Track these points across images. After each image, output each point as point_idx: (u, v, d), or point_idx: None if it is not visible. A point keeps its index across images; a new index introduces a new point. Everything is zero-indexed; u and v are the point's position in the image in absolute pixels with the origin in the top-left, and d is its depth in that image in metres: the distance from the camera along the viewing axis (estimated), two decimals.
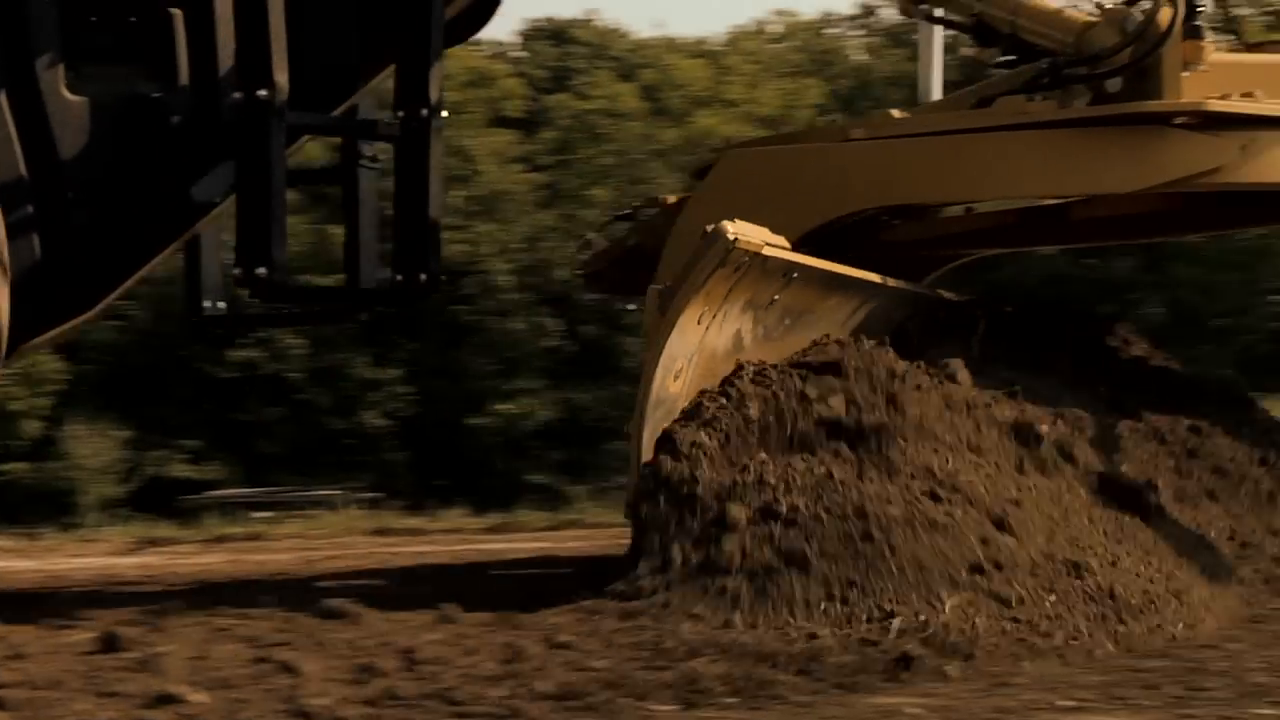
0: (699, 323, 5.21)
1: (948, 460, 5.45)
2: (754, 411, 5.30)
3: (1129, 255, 22.50)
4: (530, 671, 4.69)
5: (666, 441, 5.26)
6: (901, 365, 5.67)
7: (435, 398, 24.70)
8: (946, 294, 7.11)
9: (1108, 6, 6.19)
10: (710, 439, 5.25)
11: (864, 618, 4.96)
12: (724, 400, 5.34)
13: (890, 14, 31.32)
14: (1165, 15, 5.96)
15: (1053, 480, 5.78)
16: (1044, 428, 5.89)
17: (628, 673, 4.64)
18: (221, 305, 6.62)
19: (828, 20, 33.34)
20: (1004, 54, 6.81)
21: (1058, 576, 5.24)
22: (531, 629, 5.25)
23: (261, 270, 5.28)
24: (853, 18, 32.46)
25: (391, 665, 4.85)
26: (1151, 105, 5.89)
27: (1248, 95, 5.95)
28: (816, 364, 5.51)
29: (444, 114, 5.71)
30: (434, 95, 5.68)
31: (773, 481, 5.15)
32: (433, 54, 5.74)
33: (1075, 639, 5.04)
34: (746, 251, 5.14)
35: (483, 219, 25.54)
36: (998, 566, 5.13)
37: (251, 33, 5.34)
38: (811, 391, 5.40)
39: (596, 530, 12.74)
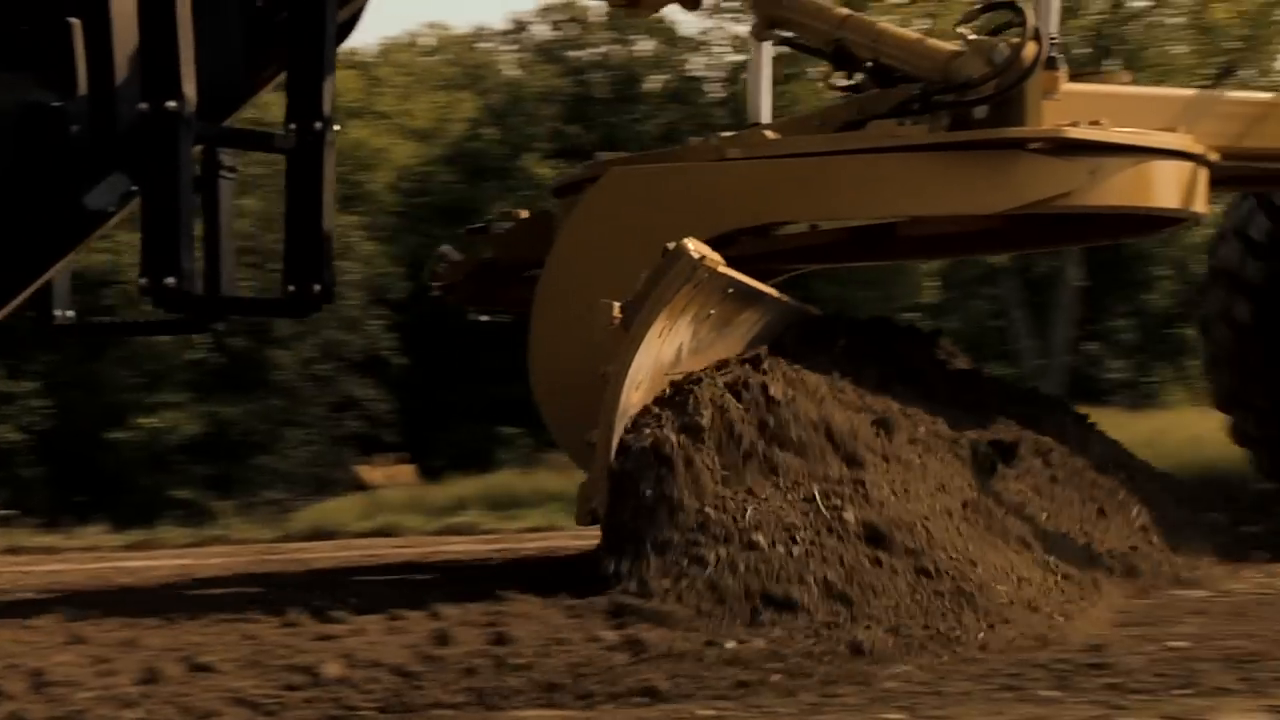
0: (659, 336, 5.29)
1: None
2: (707, 420, 5.42)
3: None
4: (169, 694, 4.49)
5: (648, 449, 5.28)
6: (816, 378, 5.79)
7: (73, 411, 24.04)
8: (811, 309, 7.20)
9: (973, 38, 6.37)
10: (684, 445, 5.33)
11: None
12: (690, 409, 5.42)
13: (542, 30, 31.53)
14: (1030, 49, 6.19)
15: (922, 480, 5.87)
16: (912, 431, 5.99)
17: (270, 692, 4.49)
18: (70, 314, 6.56)
19: (480, 35, 33.37)
20: (852, 77, 7.05)
21: (920, 581, 5.32)
22: (171, 648, 5.06)
23: (170, 280, 5.29)
24: (505, 33, 32.57)
25: (18, 688, 4.60)
26: (1014, 131, 6.10)
27: (1095, 123, 6.18)
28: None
29: (335, 127, 5.76)
30: (327, 108, 5.72)
31: (732, 493, 5.32)
32: (326, 67, 5.77)
33: (939, 640, 5.06)
34: (708, 269, 5.20)
35: (126, 228, 24.92)
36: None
37: (158, 44, 5.33)
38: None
39: (242, 546, 12.46)
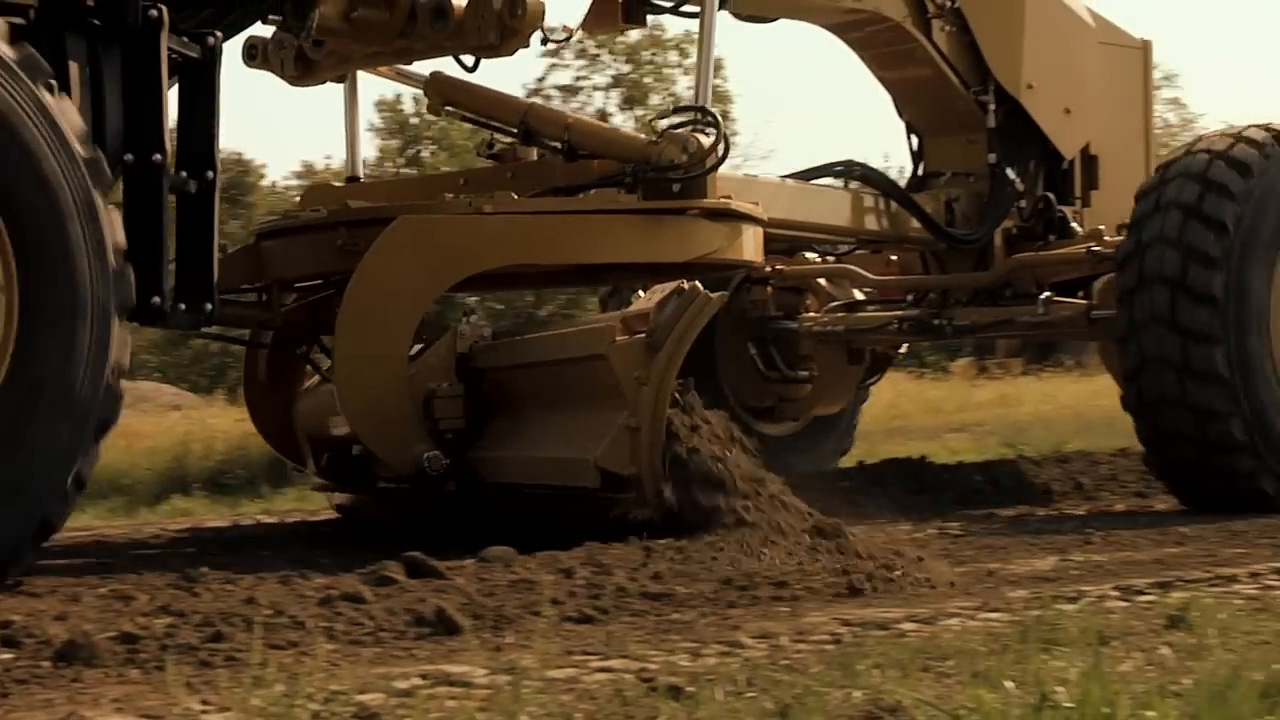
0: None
1: None
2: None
3: None
4: None
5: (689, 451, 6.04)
6: None
7: None
8: None
9: (673, 131, 7.45)
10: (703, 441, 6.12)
11: None
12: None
13: None
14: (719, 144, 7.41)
15: None
16: None
17: None
18: None
19: None
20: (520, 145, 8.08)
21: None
22: None
23: (156, 299, 5.83)
24: None
25: None
26: (707, 203, 7.37)
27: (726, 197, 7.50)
28: None
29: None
30: (217, 157, 6.20)
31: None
32: (216, 121, 6.22)
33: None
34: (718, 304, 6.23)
35: None
36: None
37: (146, 102, 5.91)
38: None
39: None
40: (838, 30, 9.29)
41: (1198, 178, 8.19)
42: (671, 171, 7.30)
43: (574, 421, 6.32)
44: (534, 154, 7.99)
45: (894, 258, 9.90)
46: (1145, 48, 9.96)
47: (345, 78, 8.42)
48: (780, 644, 4.45)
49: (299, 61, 7.99)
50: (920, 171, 9.62)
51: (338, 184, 8.93)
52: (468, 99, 8.04)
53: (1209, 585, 5.46)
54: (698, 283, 6.18)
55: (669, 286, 6.16)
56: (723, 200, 7.35)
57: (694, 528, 5.81)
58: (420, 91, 8.43)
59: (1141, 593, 5.34)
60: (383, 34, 7.54)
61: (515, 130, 7.92)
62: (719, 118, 7.40)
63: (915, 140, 9.68)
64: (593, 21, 8.17)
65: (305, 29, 7.15)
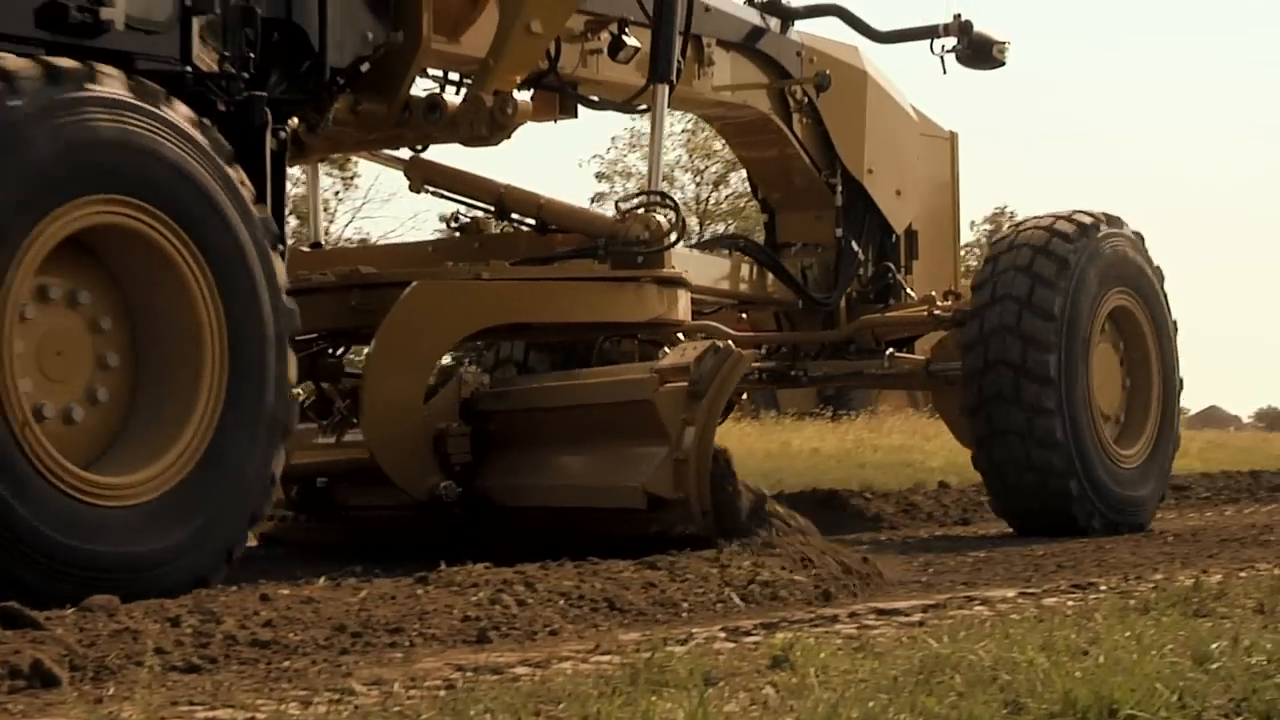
0: None
1: None
2: None
3: None
4: None
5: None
6: None
7: None
8: None
9: (636, 213, 8.80)
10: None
11: None
12: None
13: None
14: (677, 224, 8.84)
15: None
16: None
17: None
18: None
19: None
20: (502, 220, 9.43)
21: None
22: None
23: None
24: None
25: None
26: (664, 272, 8.75)
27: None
28: None
29: None
30: (285, 231, 7.21)
31: None
32: (284, 199, 7.26)
33: None
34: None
35: None
36: None
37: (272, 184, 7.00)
38: None
39: None
40: (712, 119, 10.76)
41: (1025, 270, 9.83)
42: (637, 246, 8.65)
43: (614, 454, 7.64)
44: (494, 227, 9.27)
45: (744, 316, 11.36)
46: (953, 138, 11.65)
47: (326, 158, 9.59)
48: (393, 690, 4.43)
49: (294, 145, 9.10)
50: (774, 242, 11.13)
51: (304, 249, 9.97)
52: (446, 180, 9.26)
53: (811, 626, 5.72)
54: (730, 342, 7.59)
55: (700, 345, 7.54)
56: (674, 271, 8.75)
57: (733, 537, 7.18)
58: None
59: (748, 633, 5.55)
60: (380, 124, 8.69)
61: (492, 208, 9.16)
62: (677, 202, 8.80)
63: (769, 215, 11.21)
64: (535, 109, 9.41)
65: (324, 121, 8.26)
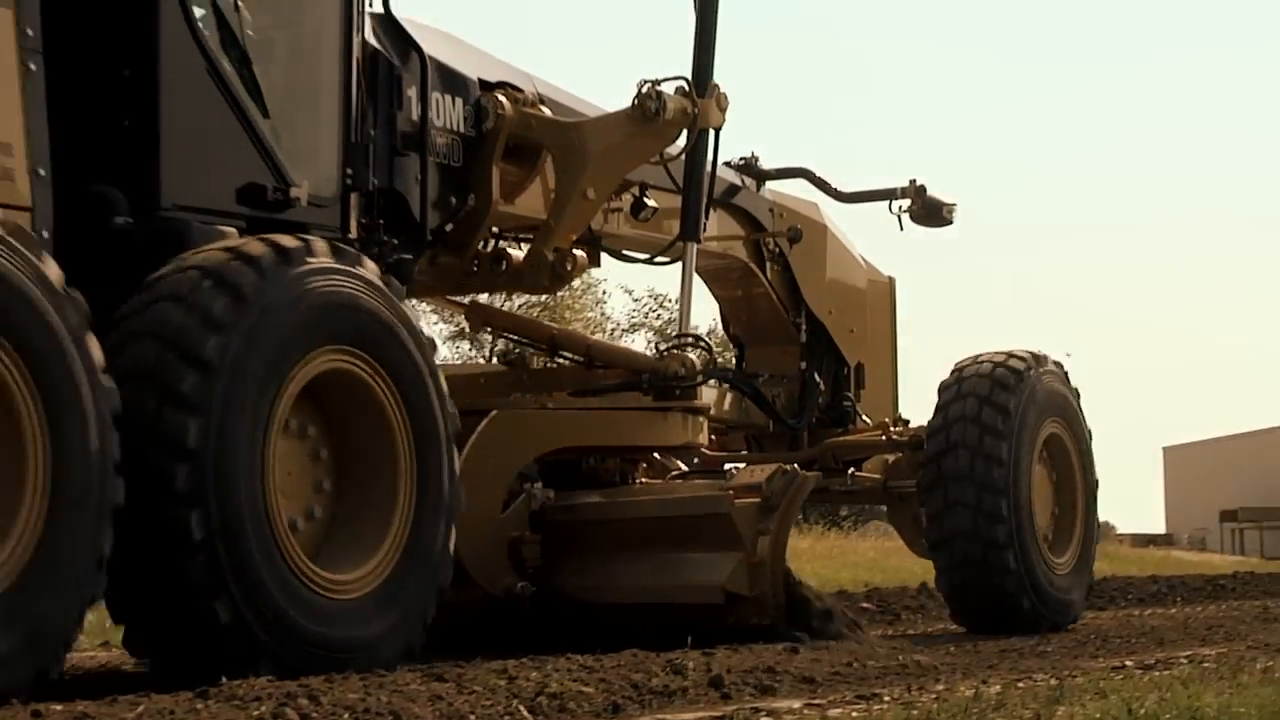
0: None
1: None
2: None
3: None
4: None
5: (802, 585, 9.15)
6: None
7: None
8: None
9: (673, 352, 10.34)
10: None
11: None
12: None
13: None
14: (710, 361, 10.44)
15: None
16: None
17: None
18: None
19: None
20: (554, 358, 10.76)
21: None
22: None
23: None
24: None
25: None
26: (696, 403, 10.33)
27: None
28: None
29: None
30: None
31: None
32: None
33: None
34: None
35: None
36: None
37: None
38: None
39: None
40: (655, 258, 12.20)
41: (974, 420, 11.38)
42: (676, 381, 10.10)
43: (692, 558, 9.07)
44: (536, 362, 10.64)
45: (713, 437, 12.81)
46: (891, 282, 13.26)
47: None
48: None
49: None
50: (743, 372, 12.60)
51: None
52: (504, 322, 10.62)
53: None
54: (795, 465, 9.06)
55: (768, 468, 8.99)
56: (703, 402, 10.20)
57: (810, 633, 8.65)
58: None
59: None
60: (452, 275, 10.07)
61: (544, 346, 10.52)
62: (710, 344, 10.26)
63: (739, 348, 12.71)
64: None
65: (413, 275, 9.54)
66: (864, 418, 12.48)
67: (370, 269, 7.73)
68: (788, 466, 9.14)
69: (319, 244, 7.55)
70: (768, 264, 12.19)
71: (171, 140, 7.68)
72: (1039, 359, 11.85)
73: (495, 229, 10.19)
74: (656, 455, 12.84)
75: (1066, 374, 12.12)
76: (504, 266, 10.11)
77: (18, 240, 6.35)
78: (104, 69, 7.67)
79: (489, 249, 10.16)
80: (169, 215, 7.64)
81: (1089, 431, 12.19)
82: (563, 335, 10.72)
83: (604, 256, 10.94)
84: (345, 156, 8.44)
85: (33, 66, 7.09)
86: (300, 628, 7.13)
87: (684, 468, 12.82)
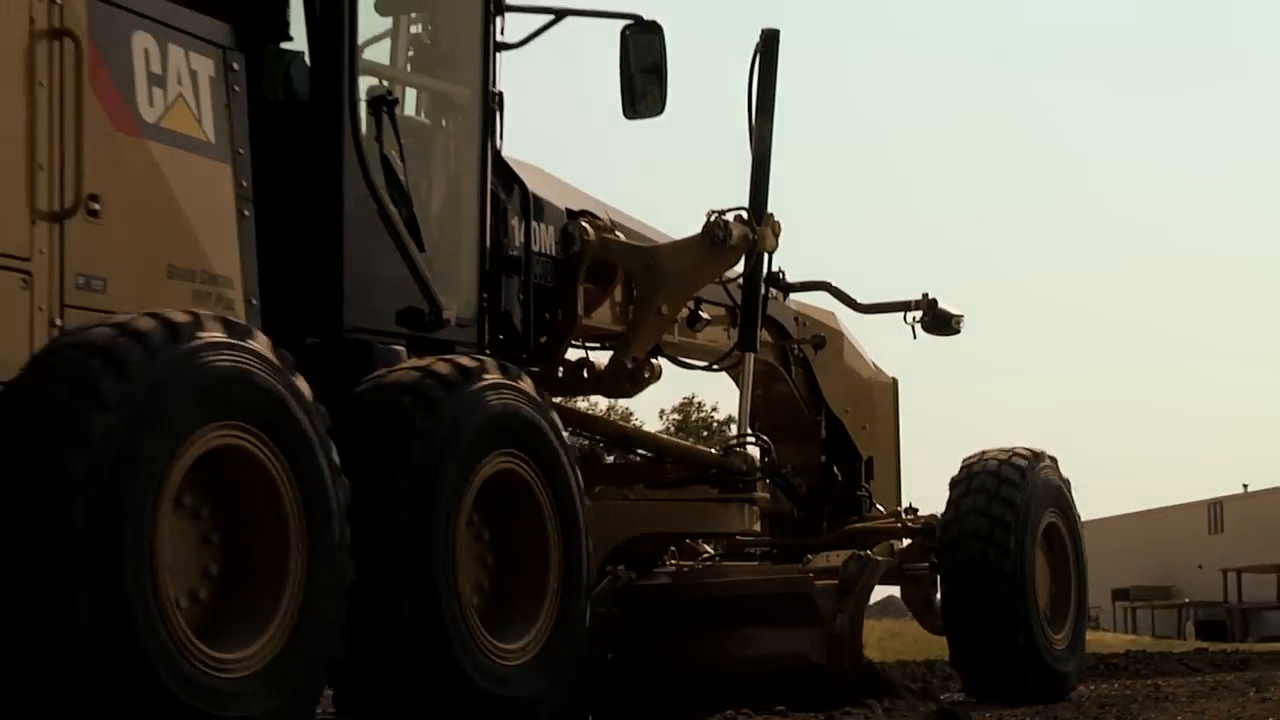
0: None
1: None
2: None
3: None
4: None
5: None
6: None
7: None
8: None
9: (736, 450, 11.60)
10: None
11: None
12: None
13: None
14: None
15: None
16: None
17: None
18: None
19: None
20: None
21: None
22: None
23: None
24: None
25: None
26: (756, 495, 11.65)
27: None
28: None
29: None
30: None
31: None
32: None
33: None
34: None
35: None
36: None
37: None
38: None
39: None
40: (728, 367, 13.56)
41: (984, 514, 12.68)
42: (740, 475, 11.35)
43: (776, 632, 10.32)
44: (609, 458, 11.87)
45: None
46: (894, 383, 14.62)
47: None
48: None
49: None
50: None
51: None
52: (580, 421, 11.80)
53: None
54: (869, 551, 10.27)
55: (843, 554, 10.28)
56: (763, 494, 11.46)
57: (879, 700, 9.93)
58: None
59: None
60: (538, 381, 11.28)
61: (619, 443, 11.76)
62: (769, 442, 11.50)
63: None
64: None
65: None
66: (878, 506, 13.78)
67: (528, 385, 8.96)
68: (861, 553, 10.44)
69: (490, 362, 8.77)
70: (793, 367, 13.49)
71: (352, 272, 8.91)
72: (1037, 455, 13.17)
73: (576, 340, 11.45)
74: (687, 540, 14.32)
75: (1059, 467, 13.46)
76: (586, 374, 11.34)
77: (278, 360, 7.47)
78: (297, 213, 8.86)
79: (576, 359, 11.39)
80: (349, 336, 8.85)
81: (1079, 518, 13.54)
82: (635, 433, 11.96)
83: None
84: (481, 281, 9.69)
85: (246, 213, 8.37)
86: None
87: (710, 550, 14.18)
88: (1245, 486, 61.22)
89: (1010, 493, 12.70)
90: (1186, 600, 56.00)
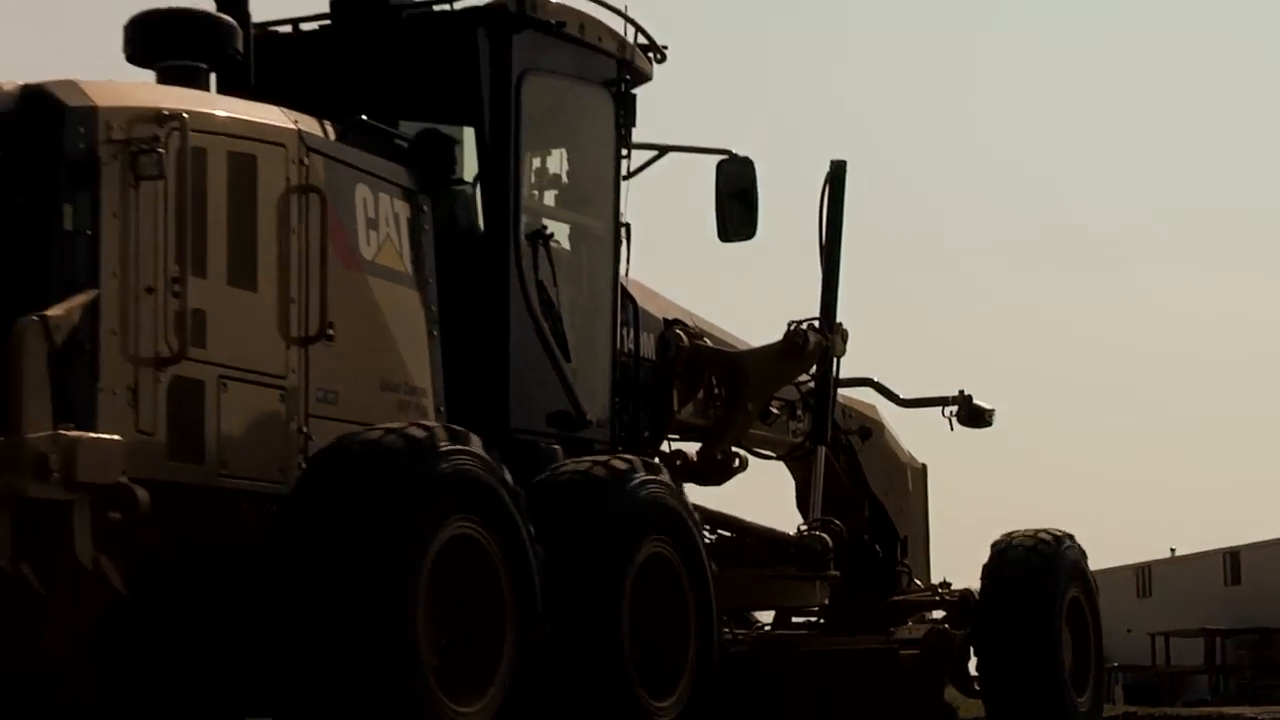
0: None
1: None
2: None
3: None
4: None
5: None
6: None
7: None
8: None
9: (810, 531, 12.99)
10: None
11: None
12: None
13: None
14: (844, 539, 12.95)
15: None
16: None
17: None
18: None
19: None
20: None
21: None
22: None
23: None
24: None
25: None
26: (830, 574, 13.02)
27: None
28: None
29: None
30: None
31: None
32: None
33: None
34: None
35: None
36: None
37: None
38: None
39: None
40: (784, 456, 15.03)
41: (1023, 561, 14.23)
42: (815, 556, 12.83)
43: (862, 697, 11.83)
44: None
45: None
46: (924, 468, 16.15)
47: None
48: None
49: None
50: None
51: None
52: None
53: None
54: (946, 625, 11.80)
55: (923, 626, 11.78)
56: (835, 573, 12.91)
57: None
58: None
59: None
60: None
61: (706, 525, 13.17)
62: (842, 527, 13.01)
63: None
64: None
65: None
66: (916, 580, 15.27)
67: (665, 475, 10.37)
68: (940, 627, 11.92)
69: (638, 461, 10.21)
70: (840, 454, 14.98)
71: (517, 382, 10.36)
72: (1059, 537, 14.67)
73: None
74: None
75: (1077, 543, 14.95)
76: (679, 464, 12.80)
77: (488, 455, 8.78)
78: (470, 333, 10.24)
79: (671, 450, 12.84)
80: (515, 436, 10.30)
81: (1097, 589, 15.04)
82: (719, 515, 13.32)
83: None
84: (613, 387, 11.18)
85: (435, 332, 9.83)
86: None
87: (760, 620, 15.62)
88: (1173, 551, 62.50)
89: (1041, 570, 14.19)
90: (1115, 664, 57.13)
